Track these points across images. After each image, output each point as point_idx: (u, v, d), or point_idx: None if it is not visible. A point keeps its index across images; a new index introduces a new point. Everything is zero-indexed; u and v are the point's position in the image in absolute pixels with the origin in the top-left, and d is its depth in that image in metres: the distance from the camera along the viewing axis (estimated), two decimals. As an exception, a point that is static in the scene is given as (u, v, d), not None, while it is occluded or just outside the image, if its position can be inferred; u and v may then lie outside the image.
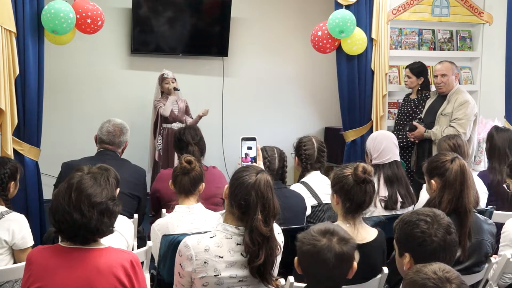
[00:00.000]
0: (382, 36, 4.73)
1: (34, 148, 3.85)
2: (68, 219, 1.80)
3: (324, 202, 3.06)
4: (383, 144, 3.17)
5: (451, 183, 2.43)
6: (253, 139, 2.56)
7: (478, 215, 2.53)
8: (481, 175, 3.57)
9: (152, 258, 2.71)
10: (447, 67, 4.37)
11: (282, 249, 2.13)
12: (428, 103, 4.57)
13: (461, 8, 5.22)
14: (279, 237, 2.17)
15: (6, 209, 2.69)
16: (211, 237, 2.06)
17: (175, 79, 5.28)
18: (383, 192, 3.08)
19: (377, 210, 3.02)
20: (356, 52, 4.63)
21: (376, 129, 4.70)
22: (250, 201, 2.01)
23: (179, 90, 5.30)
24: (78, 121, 5.68)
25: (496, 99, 4.96)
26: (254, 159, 2.54)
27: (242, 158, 2.54)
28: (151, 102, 5.41)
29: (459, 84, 4.71)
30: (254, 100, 6.42)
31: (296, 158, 3.34)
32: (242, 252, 2.04)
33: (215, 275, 2.02)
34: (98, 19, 3.92)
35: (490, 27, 5.26)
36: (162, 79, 5.27)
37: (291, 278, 2.10)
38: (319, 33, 4.57)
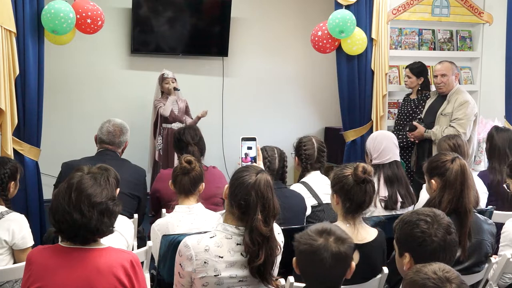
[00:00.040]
0: (382, 36, 4.73)
1: (34, 148, 3.85)
2: (68, 219, 1.80)
3: (324, 202, 3.06)
4: (383, 144, 3.17)
5: (452, 183, 2.43)
6: (253, 139, 2.56)
7: (478, 215, 2.53)
8: (481, 175, 3.57)
9: (152, 258, 2.71)
10: (447, 67, 4.37)
11: (282, 249, 2.13)
12: (428, 103, 4.57)
13: (461, 8, 5.22)
14: (279, 237, 2.17)
15: (6, 209, 2.69)
16: (211, 237, 2.06)
17: (175, 79, 5.28)
18: (383, 192, 3.08)
19: (377, 210, 3.02)
20: (356, 52, 4.63)
21: (376, 129, 4.70)
22: (250, 201, 2.01)
23: (179, 90, 5.30)
24: (78, 121, 5.68)
25: (496, 99, 4.96)
26: (254, 159, 2.54)
27: (242, 158, 2.54)
28: (151, 102, 5.41)
29: (459, 84, 4.71)
30: (254, 100, 6.42)
31: (296, 158, 3.34)
32: (242, 252, 2.04)
33: (215, 275, 2.02)
34: (98, 19, 3.92)
35: (490, 27, 5.26)
36: (162, 79, 5.27)
37: (291, 278, 2.10)
38: (319, 33, 4.57)
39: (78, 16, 3.82)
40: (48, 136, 4.40)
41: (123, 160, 3.43)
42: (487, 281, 2.57)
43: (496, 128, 3.85)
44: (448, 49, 5.40)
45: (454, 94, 4.34)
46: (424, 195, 3.02)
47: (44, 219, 3.93)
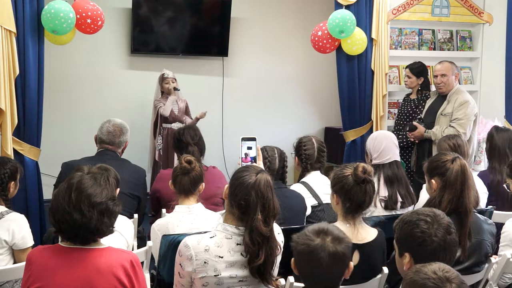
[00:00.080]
0: (382, 36, 4.73)
1: (34, 148, 3.85)
2: (68, 219, 1.80)
3: (324, 202, 3.06)
4: (383, 144, 3.17)
5: (452, 183, 2.43)
6: (253, 139, 2.56)
7: (478, 215, 2.53)
8: (481, 175, 3.57)
9: (152, 258, 2.71)
10: (447, 67, 4.37)
11: (282, 249, 2.13)
12: (428, 103, 4.57)
13: (461, 8, 5.22)
14: (279, 237, 2.17)
15: (6, 209, 2.69)
16: (211, 237, 2.06)
17: (175, 79, 5.28)
18: (383, 192, 3.08)
19: (377, 210, 3.02)
20: (356, 52, 4.63)
21: (376, 129, 4.70)
22: (250, 201, 2.01)
23: (179, 90, 5.30)
24: (78, 121, 5.68)
25: (496, 99, 4.96)
26: (254, 159, 2.54)
27: (242, 158, 2.54)
28: (151, 102, 5.41)
29: (459, 84, 4.71)
30: (254, 100, 6.42)
31: (296, 158, 3.34)
32: (242, 252, 2.04)
33: (215, 275, 2.02)
34: (98, 19, 3.92)
35: (490, 27, 5.26)
36: (162, 79, 5.27)
37: (291, 278, 2.10)
38: (319, 33, 4.57)
39: (78, 16, 3.82)
40: (48, 136, 4.40)
41: (123, 160, 3.43)
42: (487, 281, 2.57)
43: (496, 128, 3.85)
44: (448, 49, 5.40)
45: (454, 94, 4.34)
46: (424, 195, 3.02)
47: (44, 219, 3.93)
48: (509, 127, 4.36)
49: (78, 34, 4.02)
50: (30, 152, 3.83)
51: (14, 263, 2.64)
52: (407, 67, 4.81)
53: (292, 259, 1.84)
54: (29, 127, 3.79)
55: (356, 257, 2.23)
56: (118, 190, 2.24)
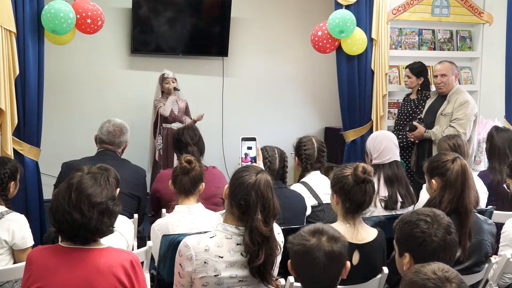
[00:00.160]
0: (382, 36, 4.73)
1: (34, 148, 3.85)
2: (68, 219, 1.80)
3: (324, 202, 3.05)
4: (383, 144, 3.17)
5: (452, 183, 2.43)
6: (253, 139, 2.56)
7: (478, 215, 2.53)
8: (481, 175, 3.57)
9: (152, 258, 2.71)
10: (447, 67, 4.37)
11: (282, 249, 2.13)
12: (428, 103, 4.57)
13: (461, 8, 5.22)
14: (279, 237, 2.17)
15: (6, 209, 2.69)
16: (211, 237, 2.06)
17: (175, 79, 5.29)
18: (383, 192, 3.08)
19: (377, 210, 3.02)
20: (356, 52, 4.63)
21: (376, 129, 4.70)
22: (250, 201, 2.01)
23: (179, 90, 5.31)
24: (78, 121, 5.68)
25: (496, 99, 4.96)
26: (254, 159, 2.54)
27: (242, 158, 2.53)
28: (151, 102, 5.41)
29: (459, 84, 4.71)
30: (254, 100, 6.42)
31: (296, 158, 3.33)
32: (242, 252, 2.04)
33: (215, 275, 2.02)
34: (98, 19, 3.92)
35: (490, 27, 5.26)
36: (163, 79, 5.28)
37: (291, 278, 2.09)
38: (319, 33, 4.57)
39: (78, 16, 3.82)
40: (48, 136, 4.40)
41: (123, 160, 3.43)
42: (487, 281, 2.57)
43: (496, 128, 3.85)
44: (448, 49, 5.40)
45: (454, 94, 4.34)
46: (424, 195, 3.02)
47: (44, 219, 3.93)
48: (509, 127, 4.36)
49: (78, 34, 4.02)
50: (30, 152, 3.83)
51: (14, 263, 2.64)
52: (407, 67, 4.81)
53: (289, 261, 1.83)
54: (29, 127, 3.79)
55: (356, 257, 2.23)
56: (118, 190, 2.24)
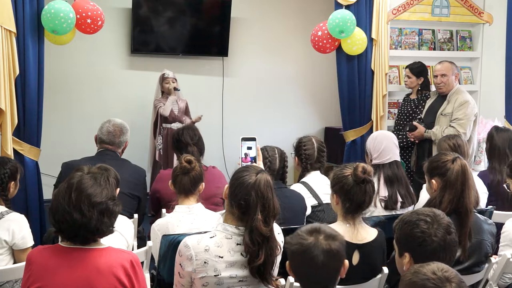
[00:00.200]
0: (382, 36, 4.73)
1: (34, 148, 3.85)
2: (68, 219, 1.80)
3: (324, 202, 3.05)
4: (383, 144, 3.17)
5: (452, 183, 2.43)
6: (253, 139, 2.56)
7: (478, 215, 2.53)
8: (481, 175, 3.57)
9: (152, 258, 2.71)
10: (447, 67, 4.37)
11: (282, 249, 2.13)
12: (428, 103, 4.57)
13: (461, 8, 5.22)
14: (279, 237, 2.16)
15: (6, 209, 2.69)
16: (211, 237, 2.06)
17: (175, 79, 5.29)
18: (383, 192, 3.08)
19: (377, 210, 3.02)
20: (356, 52, 4.63)
21: (376, 129, 4.70)
22: (250, 201, 2.01)
23: (179, 90, 5.31)
24: (78, 121, 5.68)
25: (496, 99, 4.96)
26: (254, 159, 2.54)
27: (242, 158, 2.53)
28: (151, 102, 5.41)
29: (459, 84, 4.71)
30: (254, 100, 6.42)
31: (296, 158, 3.34)
32: (242, 252, 2.04)
33: (215, 275, 2.02)
34: (98, 19, 3.92)
35: (490, 27, 5.26)
36: (163, 79, 5.28)
37: (291, 278, 2.09)
38: (319, 33, 4.57)
39: (78, 16, 3.82)
40: (48, 136, 4.40)
41: (123, 160, 3.43)
42: (487, 281, 2.57)
43: (496, 128, 3.85)
44: (448, 49, 5.40)
45: (454, 94, 4.34)
46: (424, 195, 3.02)
47: (44, 219, 3.93)
48: (509, 127, 4.36)
49: (78, 34, 4.02)
50: (30, 152, 3.83)
51: (14, 263, 2.64)
52: (407, 67, 4.81)
53: (287, 262, 1.83)
54: (29, 127, 3.79)
55: (356, 257, 2.23)
56: (118, 190, 2.24)
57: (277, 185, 2.72)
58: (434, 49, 5.36)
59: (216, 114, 6.21)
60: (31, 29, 3.70)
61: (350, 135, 4.86)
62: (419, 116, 4.53)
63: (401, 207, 3.08)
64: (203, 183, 2.80)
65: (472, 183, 2.47)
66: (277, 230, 2.19)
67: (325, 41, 4.56)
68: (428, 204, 2.49)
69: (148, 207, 3.56)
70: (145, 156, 5.53)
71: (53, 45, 4.01)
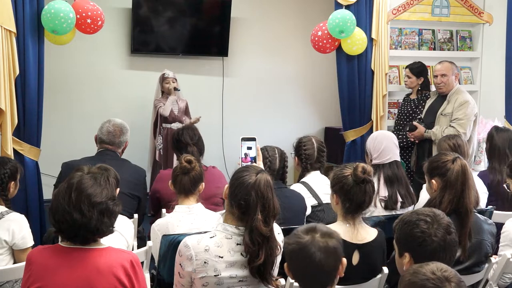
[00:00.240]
0: (382, 36, 4.73)
1: (34, 148, 3.85)
2: (68, 219, 1.80)
3: (324, 202, 3.05)
4: (383, 144, 3.17)
5: (452, 183, 2.43)
6: (253, 139, 2.56)
7: (478, 215, 2.53)
8: (481, 175, 3.57)
9: (152, 258, 2.71)
10: (447, 67, 4.37)
11: (282, 249, 2.13)
12: (428, 103, 4.57)
13: (461, 8, 5.22)
14: (279, 237, 2.16)
15: (6, 209, 2.69)
16: (211, 237, 2.06)
17: (175, 79, 5.29)
18: (383, 192, 3.08)
19: (377, 210, 3.02)
20: (356, 52, 4.63)
21: (376, 129, 4.70)
22: (250, 201, 2.01)
23: (179, 90, 5.31)
24: (78, 121, 5.68)
25: (496, 99, 4.96)
26: (254, 159, 2.54)
27: (242, 158, 2.53)
28: (151, 102, 5.41)
29: (459, 84, 4.71)
30: (254, 100, 6.42)
31: (296, 158, 3.34)
32: (242, 252, 2.04)
33: (215, 275, 2.02)
34: (98, 19, 3.92)
35: (490, 27, 5.26)
36: (163, 79, 5.28)
37: (291, 278, 2.10)
38: (319, 33, 4.57)
39: (78, 16, 3.82)
40: (48, 136, 4.40)
41: (123, 160, 3.43)
42: (487, 281, 2.57)
43: (496, 128, 3.85)
44: (448, 49, 5.40)
45: (454, 94, 4.34)
46: (424, 195, 3.02)
47: (44, 219, 3.93)
48: (509, 127, 4.36)
49: (78, 34, 4.02)
50: (30, 152, 3.83)
51: (14, 263, 2.64)
52: (407, 67, 4.81)
53: (285, 264, 1.83)
54: (29, 127, 3.79)
55: (356, 257, 2.23)
56: (118, 190, 2.24)
57: (277, 185, 2.72)
58: (434, 49, 5.36)
59: (216, 114, 6.21)
60: (31, 29, 3.70)
61: (350, 135, 4.86)
62: (419, 116, 4.53)
63: (401, 207, 3.09)
64: (203, 183, 2.80)
65: (472, 183, 2.47)
66: (277, 230, 2.19)
67: (325, 41, 4.56)
68: (428, 204, 2.49)
69: (148, 207, 3.56)
70: (145, 156, 5.53)
71: (53, 45, 4.01)
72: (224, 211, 2.19)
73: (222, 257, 2.02)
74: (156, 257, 2.55)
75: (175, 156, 4.07)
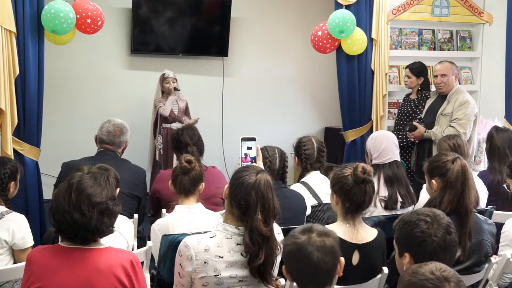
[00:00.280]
0: (382, 36, 4.73)
1: (34, 148, 3.85)
2: (68, 219, 1.80)
3: (324, 202, 3.05)
4: (383, 144, 3.17)
5: (452, 183, 2.43)
6: (253, 139, 2.56)
7: (478, 215, 2.53)
8: (481, 175, 3.57)
9: (152, 258, 2.71)
10: (447, 67, 4.37)
11: (282, 249, 2.13)
12: (428, 103, 4.57)
13: (461, 8, 5.22)
14: (279, 237, 2.16)
15: (6, 209, 2.69)
16: (211, 237, 2.06)
17: (176, 79, 5.29)
18: (383, 192, 3.08)
19: (377, 210, 3.02)
20: (356, 52, 4.63)
21: (376, 129, 4.70)
22: (250, 201, 2.01)
23: (179, 90, 5.31)
24: (78, 121, 5.68)
25: (496, 99, 4.96)
26: (254, 159, 2.54)
27: (242, 158, 2.54)
28: (151, 102, 5.42)
29: (459, 84, 4.71)
30: (254, 100, 6.42)
31: (296, 158, 3.34)
32: (242, 252, 2.04)
33: (215, 275, 2.02)
34: (98, 19, 3.92)
35: (490, 27, 5.26)
36: (163, 79, 5.28)
37: (291, 278, 2.10)
38: (319, 33, 4.57)
39: (78, 16, 3.82)
40: (48, 136, 4.40)
41: (123, 160, 3.43)
42: (487, 281, 2.57)
43: (496, 128, 3.85)
44: (448, 49, 5.40)
45: (454, 94, 4.34)
46: (424, 195, 3.02)
47: (44, 219, 3.93)
48: (509, 127, 4.36)
49: (78, 34, 4.02)
50: (30, 152, 3.83)
51: (14, 263, 2.64)
52: (407, 67, 4.81)
53: (283, 266, 1.83)
54: (29, 127, 3.79)
55: (356, 257, 2.23)
56: (118, 190, 2.24)
57: (277, 185, 2.72)
58: (434, 49, 5.36)
59: (216, 114, 6.21)
60: (31, 29, 3.70)
61: (350, 135, 4.86)
62: (419, 116, 4.53)
63: (401, 207, 3.09)
64: (203, 183, 2.80)
65: (472, 183, 2.47)
66: (277, 230, 2.19)
67: (325, 41, 4.56)
68: (428, 204, 2.49)
69: (148, 207, 3.56)
70: (145, 156, 5.53)
71: (53, 45, 4.02)
72: (224, 211, 2.19)
73: (222, 257, 2.02)
74: (156, 257, 2.55)
75: (175, 156, 4.07)
